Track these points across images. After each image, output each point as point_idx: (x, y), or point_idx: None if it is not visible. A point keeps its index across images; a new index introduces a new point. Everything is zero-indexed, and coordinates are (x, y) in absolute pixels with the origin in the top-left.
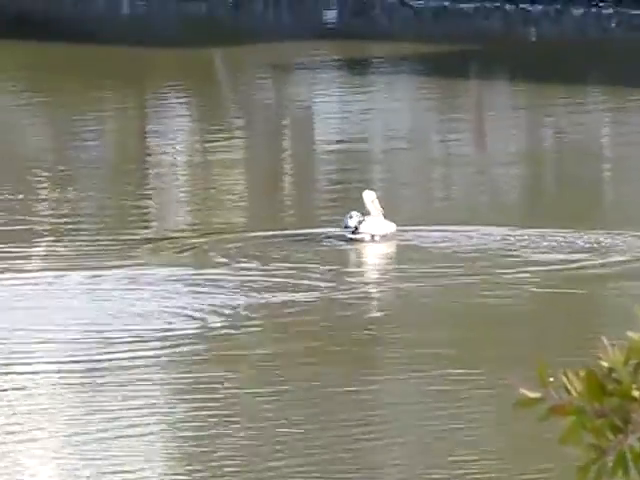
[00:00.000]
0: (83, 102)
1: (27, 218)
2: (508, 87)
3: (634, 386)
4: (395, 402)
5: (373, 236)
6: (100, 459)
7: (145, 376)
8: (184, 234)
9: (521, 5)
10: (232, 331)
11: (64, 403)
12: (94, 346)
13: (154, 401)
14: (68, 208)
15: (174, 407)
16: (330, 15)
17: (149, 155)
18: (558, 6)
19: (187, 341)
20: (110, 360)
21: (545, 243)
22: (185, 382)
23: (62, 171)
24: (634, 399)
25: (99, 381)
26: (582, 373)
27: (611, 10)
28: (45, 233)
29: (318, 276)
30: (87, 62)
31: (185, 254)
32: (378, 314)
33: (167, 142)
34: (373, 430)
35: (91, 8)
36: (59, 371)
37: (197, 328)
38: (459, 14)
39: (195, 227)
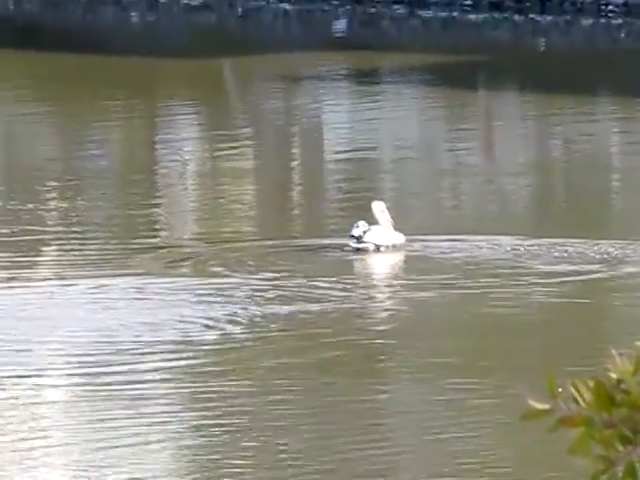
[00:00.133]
0: (92, 112)
1: (34, 227)
2: (517, 97)
3: None
4: (404, 411)
5: (378, 246)
6: (108, 467)
7: (154, 386)
8: (192, 243)
9: (530, 15)
10: (241, 341)
11: (73, 414)
12: (102, 355)
13: (163, 411)
14: (76, 217)
15: (183, 417)
16: (339, 25)
17: (157, 165)
18: (567, 17)
19: (195, 351)
20: (119, 372)
21: (555, 253)
22: (195, 392)
23: (70, 180)
24: None
25: (107, 390)
26: (591, 384)
27: (620, 20)
28: (53, 242)
29: (327, 286)
30: (96, 72)
31: (193, 263)
32: (387, 324)
33: (176, 152)
34: (382, 438)
35: (100, 18)
36: (67, 381)
37: (205, 338)
38: (468, 24)
39: (203, 236)
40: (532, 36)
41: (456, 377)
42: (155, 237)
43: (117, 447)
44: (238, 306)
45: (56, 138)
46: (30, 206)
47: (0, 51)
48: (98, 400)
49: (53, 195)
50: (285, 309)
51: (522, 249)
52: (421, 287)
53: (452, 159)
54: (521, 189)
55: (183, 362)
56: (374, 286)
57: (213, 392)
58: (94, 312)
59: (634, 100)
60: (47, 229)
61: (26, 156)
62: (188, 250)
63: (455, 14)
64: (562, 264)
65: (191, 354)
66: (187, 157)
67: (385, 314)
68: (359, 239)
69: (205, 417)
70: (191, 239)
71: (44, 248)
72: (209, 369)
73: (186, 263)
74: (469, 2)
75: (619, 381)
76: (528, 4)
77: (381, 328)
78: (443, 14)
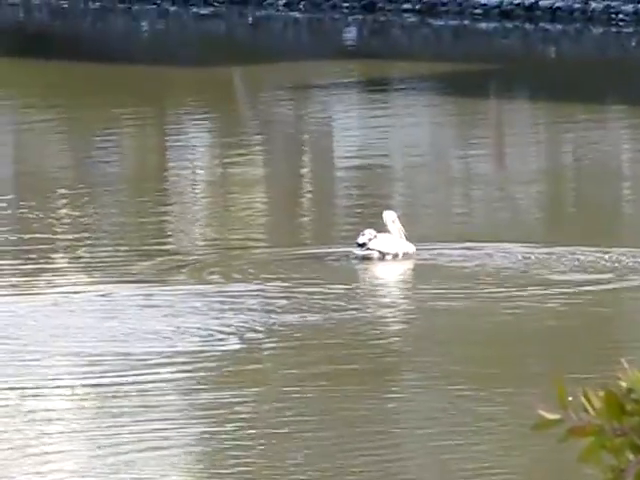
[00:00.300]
0: (102, 120)
1: (45, 235)
2: (528, 106)
3: None
4: (413, 418)
5: (384, 254)
6: (114, 474)
7: (161, 395)
8: (202, 251)
9: (540, 24)
10: (250, 350)
11: (80, 423)
12: (109, 364)
13: (172, 419)
14: (85, 225)
15: (192, 427)
16: (349, 34)
17: (167, 172)
18: (578, 25)
19: (204, 360)
20: (126, 383)
21: (566, 262)
22: (203, 402)
23: (80, 188)
24: None
25: (115, 398)
26: (601, 393)
27: (631, 29)
28: (63, 250)
29: (337, 294)
30: (106, 80)
31: (202, 271)
32: (397, 332)
33: (186, 159)
34: (391, 445)
35: (110, 27)
36: (72, 391)
37: (214, 347)
38: (478, 33)
39: (213, 244)
40: (542, 45)
41: (466, 385)
42: (165, 244)
43: (126, 453)
44: (248, 314)
45: (66, 146)
46: (40, 214)
47: (11, 59)
48: (105, 408)
49: (63, 202)
50: (295, 317)
51: (533, 257)
52: (431, 295)
53: (463, 167)
54: (532, 197)
55: (192, 372)
56: (384, 294)
57: (221, 401)
58: (102, 320)
59: None
60: (56, 237)
61: (36, 164)
62: (197, 257)
63: (466, 23)
64: (573, 272)
65: (200, 363)
66: (197, 165)
67: (395, 322)
68: (364, 247)
69: (215, 425)
70: (201, 246)
71: (53, 255)
72: (217, 378)
73: (196, 271)
74: (480, 11)
75: (629, 390)
76: (538, 13)
77: (391, 336)
78: (454, 23)
